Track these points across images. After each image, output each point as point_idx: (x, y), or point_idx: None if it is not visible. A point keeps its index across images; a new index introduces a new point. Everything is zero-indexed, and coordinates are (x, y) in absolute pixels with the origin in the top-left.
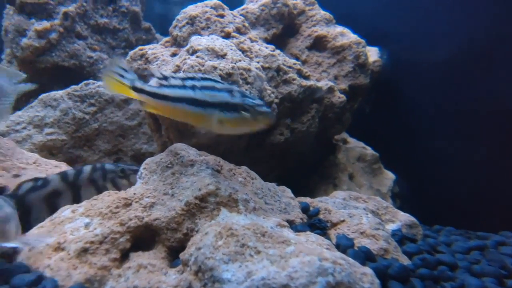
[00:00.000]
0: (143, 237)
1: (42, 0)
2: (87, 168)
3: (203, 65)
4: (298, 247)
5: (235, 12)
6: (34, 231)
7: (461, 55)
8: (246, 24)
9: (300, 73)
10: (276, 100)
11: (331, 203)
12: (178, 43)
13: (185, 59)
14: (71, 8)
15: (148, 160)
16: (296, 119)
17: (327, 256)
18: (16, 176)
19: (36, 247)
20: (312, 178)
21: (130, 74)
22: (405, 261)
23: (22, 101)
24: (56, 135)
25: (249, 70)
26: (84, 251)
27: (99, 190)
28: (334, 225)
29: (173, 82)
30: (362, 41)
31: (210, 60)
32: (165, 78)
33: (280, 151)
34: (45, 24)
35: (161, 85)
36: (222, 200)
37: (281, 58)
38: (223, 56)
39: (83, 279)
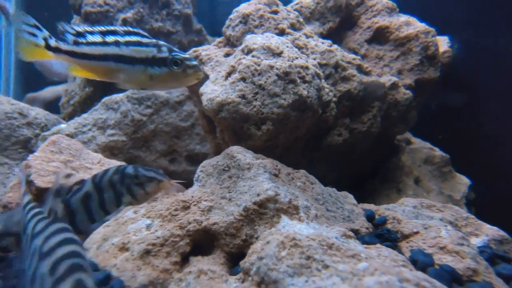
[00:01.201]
0: (201, 241)
1: (104, 8)
2: (111, 170)
3: (259, 65)
4: (372, 264)
5: (288, 7)
6: (101, 229)
7: None
8: (301, 20)
9: (360, 69)
10: (334, 99)
11: (400, 212)
12: (231, 43)
13: (240, 59)
14: (129, 14)
15: (204, 162)
16: (356, 118)
17: (408, 276)
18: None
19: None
20: (372, 182)
21: (43, 31)
22: (501, 286)
23: (87, 104)
24: (117, 136)
25: (307, 68)
26: (146, 252)
27: (117, 196)
28: (406, 237)
29: (91, 38)
30: (432, 29)
31: (266, 59)
32: (81, 34)
33: (338, 153)
34: None
35: (78, 43)
36: (282, 206)
37: (339, 54)
38: (279, 54)
39: (147, 281)
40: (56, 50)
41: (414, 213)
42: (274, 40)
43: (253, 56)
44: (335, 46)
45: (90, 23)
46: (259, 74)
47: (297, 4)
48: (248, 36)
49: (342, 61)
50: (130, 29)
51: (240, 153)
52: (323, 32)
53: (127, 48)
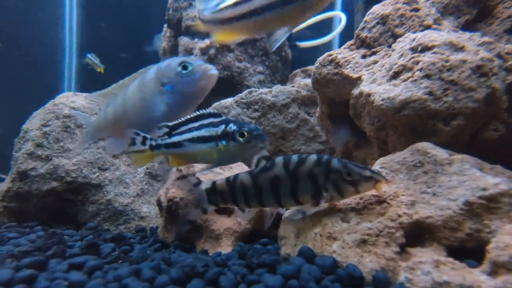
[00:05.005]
0: (411, 234)
1: None
2: (310, 160)
3: (447, 61)
4: None
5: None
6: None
7: None
8: (438, 15)
9: None
10: None
11: None
12: (367, 44)
13: (413, 57)
14: None
15: (384, 159)
16: None
17: None
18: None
19: None
20: None
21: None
22: None
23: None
24: None
25: (492, 60)
26: (363, 242)
27: (316, 189)
28: None
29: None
30: None
31: (453, 55)
32: (174, 127)
33: (487, 150)
34: (206, 42)
35: (171, 135)
36: None
37: (499, 45)
38: (461, 49)
39: (378, 267)
40: (156, 147)
41: None
42: (454, 36)
43: (435, 53)
44: (487, 37)
45: (190, 36)
46: (448, 70)
47: (427, 0)
48: (420, 34)
49: (503, 52)
50: (204, 113)
51: (434, 149)
52: (458, 25)
53: (198, 131)
